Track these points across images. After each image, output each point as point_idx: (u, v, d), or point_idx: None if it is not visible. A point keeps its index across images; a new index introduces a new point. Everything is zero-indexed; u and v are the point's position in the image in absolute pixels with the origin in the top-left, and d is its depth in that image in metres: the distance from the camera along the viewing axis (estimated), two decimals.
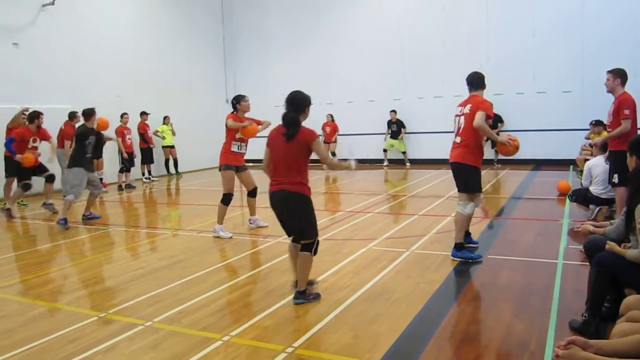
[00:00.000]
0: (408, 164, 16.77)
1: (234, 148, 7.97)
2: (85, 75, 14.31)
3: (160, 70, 16.98)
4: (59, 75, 13.60)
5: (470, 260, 5.88)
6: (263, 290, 5.30)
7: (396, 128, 16.91)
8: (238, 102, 8.06)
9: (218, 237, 7.74)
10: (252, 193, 8.17)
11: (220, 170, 8.06)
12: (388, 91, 17.26)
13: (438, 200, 9.92)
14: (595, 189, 7.62)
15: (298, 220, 4.78)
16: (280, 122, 4.90)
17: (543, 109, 15.29)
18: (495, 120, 14.67)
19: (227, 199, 7.83)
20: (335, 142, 17.69)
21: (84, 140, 9.25)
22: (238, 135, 7.92)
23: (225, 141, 8.10)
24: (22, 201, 11.52)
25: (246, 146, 8.17)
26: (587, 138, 11.94)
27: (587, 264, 4.68)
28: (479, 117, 5.70)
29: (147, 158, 15.53)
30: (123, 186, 13.81)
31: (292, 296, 4.93)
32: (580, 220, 7.53)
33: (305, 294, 4.81)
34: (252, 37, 19.79)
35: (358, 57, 17.83)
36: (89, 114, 9.55)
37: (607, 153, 7.34)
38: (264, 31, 19.51)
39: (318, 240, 4.87)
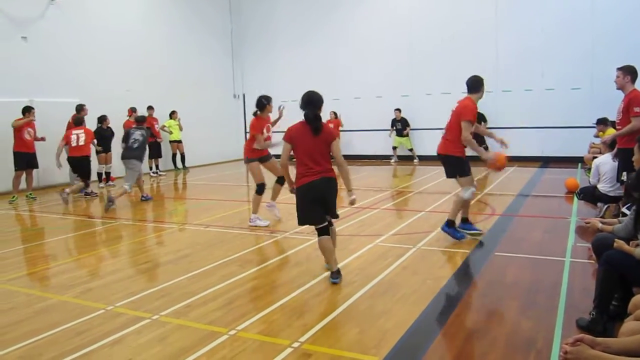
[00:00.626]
0: (416, 160, 16.75)
1: (257, 146, 8.19)
2: (93, 70, 14.36)
3: (168, 65, 17.00)
4: (67, 69, 13.65)
5: (455, 238, 6.59)
6: (270, 285, 5.31)
7: (401, 126, 16.96)
8: (269, 102, 8.49)
9: (256, 226, 7.89)
10: (280, 180, 8.31)
11: (246, 162, 8.35)
12: (395, 87, 17.22)
13: (445, 197, 9.89)
14: (603, 187, 7.57)
15: (335, 201, 5.36)
16: (294, 118, 5.39)
17: (551, 106, 15.21)
18: (478, 119, 14.64)
19: (260, 189, 8.13)
20: (338, 138, 17.68)
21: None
22: (255, 146, 8.16)
23: (249, 138, 8.37)
24: (30, 194, 11.57)
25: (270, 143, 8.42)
26: (596, 136, 11.87)
27: (594, 262, 4.67)
28: (465, 128, 6.31)
29: (155, 152, 15.56)
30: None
31: (298, 291, 4.94)
32: (589, 218, 7.49)
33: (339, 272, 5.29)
34: (260, 32, 19.78)
35: (366, 52, 17.79)
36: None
37: (615, 150, 7.29)
38: (272, 25, 19.50)
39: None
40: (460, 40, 16.16)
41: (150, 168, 15.58)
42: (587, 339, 2.37)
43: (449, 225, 6.62)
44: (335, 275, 5.22)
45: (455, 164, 6.59)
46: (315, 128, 5.21)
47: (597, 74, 14.21)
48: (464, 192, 6.58)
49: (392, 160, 17.28)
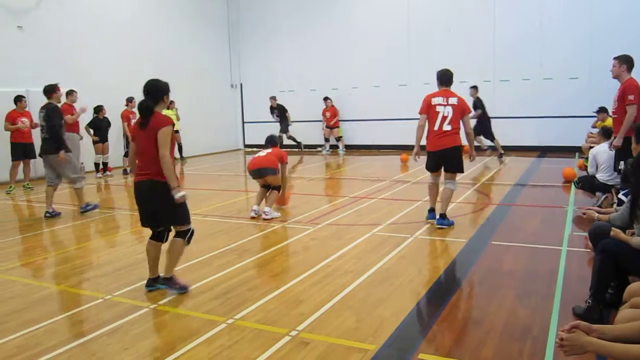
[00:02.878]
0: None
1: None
2: (89, 59, 14.30)
3: (165, 55, 16.90)
4: (63, 58, 13.57)
5: (450, 225, 6.85)
6: (267, 274, 5.32)
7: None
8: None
9: (272, 218, 7.73)
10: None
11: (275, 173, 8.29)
12: (394, 77, 17.17)
13: (442, 187, 9.88)
14: (601, 176, 7.59)
15: (167, 209, 4.70)
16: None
17: (549, 95, 15.20)
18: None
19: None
20: (337, 126, 17.71)
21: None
22: None
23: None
24: (27, 184, 11.56)
25: None
26: (594, 126, 11.88)
27: (591, 250, 4.69)
28: (469, 124, 7.09)
29: None
30: (128, 170, 13.82)
31: (296, 280, 4.96)
32: (586, 207, 7.51)
33: (171, 281, 4.83)
34: (257, 21, 19.67)
35: (363, 42, 17.72)
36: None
37: (611, 139, 7.30)
38: (270, 15, 19.38)
39: (193, 230, 4.97)
40: (458, 29, 16.11)
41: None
42: (582, 325, 2.39)
43: (444, 218, 6.86)
44: (150, 283, 4.89)
45: (461, 156, 6.90)
46: (141, 123, 4.63)
47: (595, 64, 14.18)
48: (454, 185, 7.00)
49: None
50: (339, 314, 4.20)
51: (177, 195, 4.55)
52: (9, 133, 11.33)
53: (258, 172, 7.91)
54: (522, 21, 15.34)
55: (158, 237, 4.94)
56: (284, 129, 17.59)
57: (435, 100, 6.82)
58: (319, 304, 4.40)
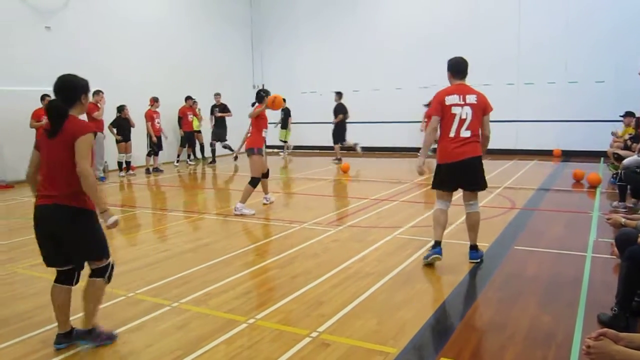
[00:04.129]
0: (286, 151, 17.90)
1: (264, 134, 8.68)
2: (115, 59, 14.45)
3: (188, 55, 17.05)
4: (90, 59, 13.71)
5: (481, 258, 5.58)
6: (288, 275, 5.32)
7: (283, 115, 17.39)
8: (267, 94, 8.79)
9: (242, 214, 8.05)
10: (266, 174, 8.78)
11: (254, 154, 8.52)
12: (415, 79, 17.06)
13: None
14: None
15: (79, 241, 3.72)
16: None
17: (574, 99, 15.00)
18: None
19: (257, 182, 8.44)
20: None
21: None
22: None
23: (254, 130, 8.63)
24: None
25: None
26: (614, 133, 11.72)
27: (617, 257, 4.61)
28: (488, 125, 5.46)
29: (190, 142, 15.86)
30: (151, 169, 13.96)
31: (316, 282, 4.96)
32: (610, 213, 7.39)
33: (93, 334, 3.87)
34: (280, 23, 19.72)
35: (385, 44, 17.67)
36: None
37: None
38: (292, 16, 19.43)
39: (113, 264, 3.98)
40: (482, 30, 15.97)
41: (185, 155, 15.90)
42: (610, 333, 2.34)
43: (477, 249, 5.61)
44: (61, 339, 3.84)
45: (483, 169, 5.52)
46: (50, 129, 3.65)
47: (621, 67, 13.96)
48: (478, 206, 5.62)
49: (282, 153, 17.99)
50: (360, 317, 4.18)
51: (110, 221, 3.65)
52: (34, 132, 11.47)
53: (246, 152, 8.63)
54: (547, 24, 15.16)
55: (67, 278, 3.85)
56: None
57: (449, 99, 5.32)
58: (340, 306, 4.39)
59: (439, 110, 5.39)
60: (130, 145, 13.56)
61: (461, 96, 5.32)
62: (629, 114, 11.31)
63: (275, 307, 4.41)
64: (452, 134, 5.32)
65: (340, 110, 15.49)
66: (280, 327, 4.00)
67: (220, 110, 16.15)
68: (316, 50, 19.00)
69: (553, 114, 15.33)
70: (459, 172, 5.39)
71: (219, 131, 16.17)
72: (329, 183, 11.47)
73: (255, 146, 8.52)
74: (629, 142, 9.90)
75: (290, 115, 17.63)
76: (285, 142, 17.98)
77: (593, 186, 9.72)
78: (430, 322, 4.08)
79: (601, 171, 11.33)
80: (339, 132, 15.59)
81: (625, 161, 8.05)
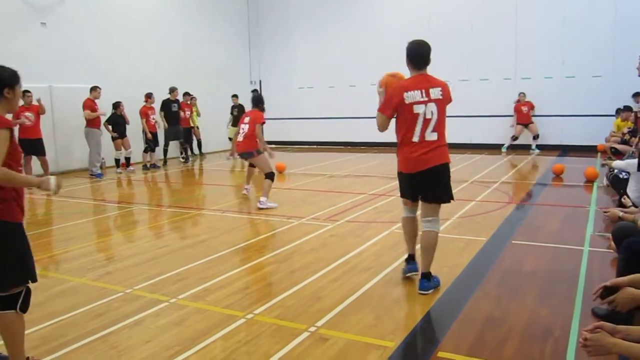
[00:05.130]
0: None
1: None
2: (111, 56, 14.40)
3: (186, 51, 17.02)
4: (86, 55, 13.70)
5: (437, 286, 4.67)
6: (286, 270, 5.33)
7: (237, 113, 16.06)
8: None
9: (267, 208, 8.24)
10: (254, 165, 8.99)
11: (256, 155, 8.60)
12: None
13: (462, 185, 9.83)
14: (633, 194, 7.20)
15: None
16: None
17: (572, 93, 15.01)
18: None
19: (273, 176, 8.64)
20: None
21: None
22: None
23: (251, 131, 8.57)
24: None
25: None
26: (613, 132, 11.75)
27: (614, 251, 4.62)
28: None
29: (185, 138, 15.79)
30: (148, 166, 13.94)
31: (314, 277, 4.97)
32: (608, 207, 7.40)
33: None
34: (277, 18, 19.69)
35: (384, 40, 17.64)
36: None
37: (637, 141, 7.18)
38: (290, 11, 19.39)
39: (29, 289, 3.28)
40: (480, 26, 15.97)
41: (181, 153, 15.79)
42: (607, 326, 2.35)
43: (430, 278, 4.60)
44: None
45: (449, 178, 4.65)
46: None
47: (618, 62, 13.98)
48: (439, 223, 4.71)
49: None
50: (358, 311, 4.19)
51: (52, 185, 3.15)
52: (16, 129, 11.31)
53: (240, 155, 8.88)
54: (545, 18, 15.16)
55: None
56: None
57: (410, 96, 4.38)
58: (338, 301, 4.40)
59: (393, 110, 4.47)
60: (127, 142, 13.52)
61: (424, 91, 4.41)
62: (627, 109, 11.33)
63: (274, 302, 4.41)
64: (415, 138, 4.42)
65: (243, 110, 15.59)
66: (279, 322, 4.01)
67: (238, 111, 16.13)
68: (313, 46, 18.98)
69: (550, 109, 15.35)
70: (421, 181, 4.53)
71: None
72: (327, 178, 11.46)
73: (254, 148, 8.54)
74: (627, 137, 9.94)
75: (244, 112, 17.12)
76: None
77: (590, 180, 9.75)
78: (428, 317, 4.10)
79: (598, 166, 11.35)
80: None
81: (614, 164, 8.06)
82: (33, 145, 11.25)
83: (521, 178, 10.73)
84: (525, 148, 15.25)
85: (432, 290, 4.58)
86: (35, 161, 11.53)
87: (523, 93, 15.27)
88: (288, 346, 3.60)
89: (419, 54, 4.53)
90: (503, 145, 15.53)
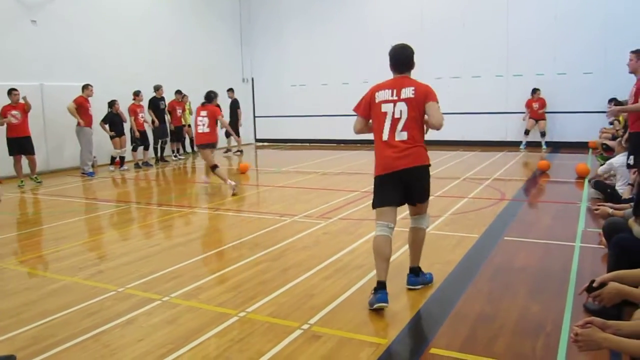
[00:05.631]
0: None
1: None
2: (102, 53, 14.31)
3: (177, 49, 16.92)
4: (77, 53, 13.62)
5: (429, 282, 4.69)
6: (279, 268, 5.33)
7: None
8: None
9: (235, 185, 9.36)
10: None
11: (213, 147, 9.82)
12: None
13: (454, 182, 9.86)
14: (620, 187, 7.43)
15: None
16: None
17: (563, 90, 15.06)
18: None
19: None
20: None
21: None
22: None
23: (212, 124, 9.66)
24: (36, 177, 11.50)
25: None
26: (611, 123, 11.78)
27: (605, 247, 4.65)
28: (440, 113, 4.25)
29: (177, 136, 15.78)
30: (140, 164, 13.87)
31: (307, 274, 4.97)
32: (599, 202, 7.45)
33: None
34: (270, 15, 19.61)
35: (376, 37, 17.61)
36: None
37: (625, 136, 7.24)
38: (282, 8, 19.32)
39: None
40: (472, 23, 15.99)
41: (173, 151, 15.71)
42: (597, 321, 2.36)
43: (418, 274, 4.66)
44: None
45: (429, 178, 4.48)
46: None
47: (610, 59, 14.04)
48: (427, 220, 4.65)
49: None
50: (350, 308, 4.20)
51: None
52: (4, 128, 11.19)
53: (201, 146, 9.86)
54: (536, 15, 15.19)
55: None
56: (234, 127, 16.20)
57: (380, 95, 4.38)
58: (330, 298, 4.40)
59: (363, 109, 4.52)
60: (124, 140, 13.48)
61: (394, 90, 4.33)
62: (616, 102, 11.38)
63: (266, 300, 4.41)
64: (384, 137, 4.33)
65: (237, 105, 16.60)
66: (271, 320, 4.01)
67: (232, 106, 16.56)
68: (306, 43, 18.94)
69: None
70: (398, 182, 4.32)
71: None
72: (319, 176, 11.46)
73: (214, 140, 9.84)
74: (620, 132, 9.98)
75: (238, 107, 17.07)
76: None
77: (581, 177, 9.80)
78: (420, 313, 4.11)
79: (590, 162, 11.41)
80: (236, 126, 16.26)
81: (600, 169, 8.13)
82: (21, 144, 11.19)
83: (513, 175, 10.76)
84: (538, 145, 15.24)
85: (421, 286, 4.60)
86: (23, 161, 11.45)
87: (538, 89, 15.13)
88: (281, 344, 3.60)
89: (396, 57, 4.49)
90: (494, 141, 15.58)
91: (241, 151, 16.70)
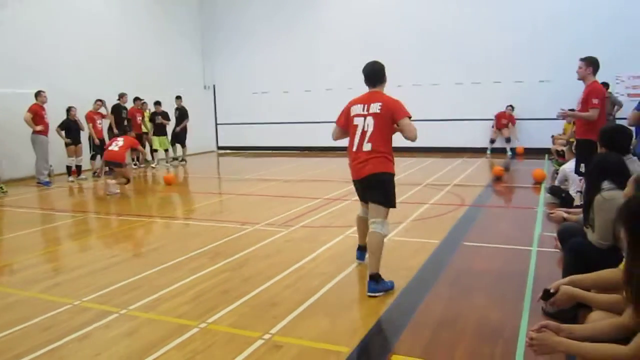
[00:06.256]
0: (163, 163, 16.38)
1: None
2: (56, 60, 13.93)
3: (137, 56, 16.68)
4: (28, 58, 13.14)
5: (389, 289, 4.72)
6: (240, 277, 5.28)
7: (161, 120, 15.65)
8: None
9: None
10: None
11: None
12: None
13: (415, 188, 9.97)
14: (573, 192, 7.65)
15: None
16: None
17: (520, 98, 15.41)
18: None
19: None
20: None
21: None
22: None
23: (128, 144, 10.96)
24: (1, 188, 11.14)
25: None
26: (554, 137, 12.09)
27: (560, 250, 4.76)
28: (412, 128, 4.65)
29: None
30: (97, 173, 13.58)
31: (269, 283, 4.94)
32: (554, 208, 7.63)
33: None
34: (232, 24, 19.48)
35: (339, 44, 17.74)
36: None
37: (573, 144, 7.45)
38: (244, 16, 19.21)
39: None
40: (431, 33, 16.24)
41: (132, 159, 15.35)
42: (551, 325, 2.42)
43: (378, 280, 4.67)
44: None
45: (392, 186, 4.84)
46: None
47: (565, 67, 14.36)
48: (384, 226, 4.81)
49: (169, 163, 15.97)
50: (312, 317, 4.19)
51: None
52: None
53: (110, 164, 10.91)
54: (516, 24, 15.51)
55: None
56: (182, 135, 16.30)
57: (354, 109, 4.87)
58: (292, 307, 4.38)
59: (342, 121, 5.00)
60: (80, 149, 13.16)
61: (365, 105, 4.79)
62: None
63: (227, 310, 4.36)
64: (354, 148, 4.82)
65: (185, 114, 16.20)
66: (233, 330, 3.97)
67: (179, 114, 16.14)
68: (268, 51, 18.91)
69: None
70: (361, 188, 4.99)
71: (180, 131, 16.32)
72: (282, 184, 11.44)
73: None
74: (571, 139, 10.26)
75: (168, 119, 16.04)
76: (165, 150, 16.05)
77: (538, 182, 10.03)
78: (381, 320, 4.12)
79: (546, 167, 11.69)
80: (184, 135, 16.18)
81: (557, 179, 8.36)
82: None
83: (473, 181, 10.95)
84: (502, 152, 15.54)
85: (381, 293, 4.64)
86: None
87: (511, 106, 15.49)
88: (242, 354, 3.56)
89: (366, 73, 4.98)
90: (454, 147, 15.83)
91: (185, 160, 16.39)
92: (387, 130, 4.74)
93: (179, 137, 16.19)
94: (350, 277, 5.13)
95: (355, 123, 4.82)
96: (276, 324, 4.03)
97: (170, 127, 16.06)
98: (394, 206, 4.88)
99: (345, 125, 4.96)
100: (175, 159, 16.22)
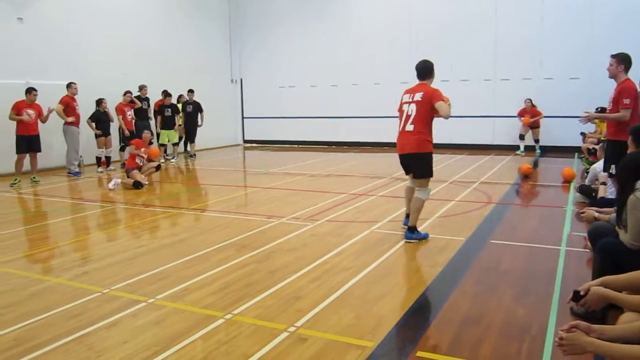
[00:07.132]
0: (174, 160, 15.55)
1: None
2: (89, 52, 14.22)
3: (165, 49, 16.85)
4: (63, 50, 13.51)
5: (423, 240, 6.14)
6: (266, 270, 5.31)
7: (170, 113, 15.26)
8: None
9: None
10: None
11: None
12: (394, 74, 17.09)
13: (442, 185, 9.90)
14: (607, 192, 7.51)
15: None
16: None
17: (550, 95, 15.17)
18: None
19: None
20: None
21: None
22: None
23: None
24: (33, 177, 11.39)
25: None
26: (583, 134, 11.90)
27: (590, 250, 4.68)
28: (444, 107, 5.87)
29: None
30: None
31: (294, 276, 4.96)
32: (584, 207, 7.50)
33: None
34: (259, 16, 19.56)
35: (365, 39, 17.69)
36: None
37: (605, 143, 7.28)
38: (272, 9, 19.28)
39: None
40: (459, 27, 16.08)
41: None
42: (582, 325, 2.38)
43: (413, 231, 6.16)
44: None
45: (429, 162, 6.20)
46: None
47: (596, 64, 14.06)
48: (426, 192, 6.27)
49: (173, 160, 15.46)
50: (337, 311, 4.19)
51: None
52: (14, 125, 11.19)
53: None
54: (524, 20, 15.31)
55: None
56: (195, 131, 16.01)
57: (404, 98, 6.21)
58: (317, 301, 4.39)
59: (399, 105, 6.25)
60: (110, 140, 13.34)
61: (412, 95, 6.06)
62: (602, 111, 11.47)
63: (253, 302, 4.39)
64: (399, 128, 6.17)
65: (200, 107, 15.81)
66: (258, 322, 3.99)
67: (193, 108, 15.80)
68: (295, 44, 18.93)
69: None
70: (404, 162, 6.30)
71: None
72: (307, 178, 11.46)
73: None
74: (602, 137, 10.07)
75: (178, 112, 15.75)
76: (175, 144, 15.78)
77: (567, 181, 9.87)
78: (407, 316, 4.11)
79: (576, 166, 11.50)
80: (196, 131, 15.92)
81: (587, 179, 8.20)
82: (30, 142, 11.31)
83: (500, 178, 10.82)
84: (502, 149, 15.41)
85: (415, 240, 6.05)
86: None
87: (529, 100, 15.10)
88: (267, 346, 3.59)
89: (417, 68, 6.27)
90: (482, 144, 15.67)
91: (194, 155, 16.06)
92: (427, 115, 5.94)
93: (192, 133, 15.88)
94: (375, 272, 5.12)
95: (402, 109, 6.13)
96: (301, 317, 4.05)
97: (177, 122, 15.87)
98: (431, 175, 6.25)
99: (399, 110, 6.20)
100: (192, 155, 15.90)
